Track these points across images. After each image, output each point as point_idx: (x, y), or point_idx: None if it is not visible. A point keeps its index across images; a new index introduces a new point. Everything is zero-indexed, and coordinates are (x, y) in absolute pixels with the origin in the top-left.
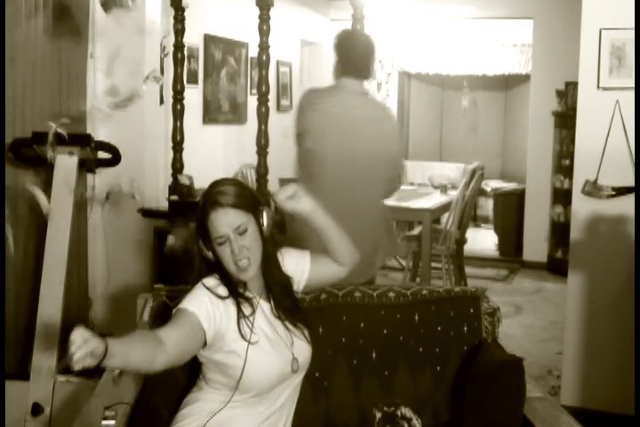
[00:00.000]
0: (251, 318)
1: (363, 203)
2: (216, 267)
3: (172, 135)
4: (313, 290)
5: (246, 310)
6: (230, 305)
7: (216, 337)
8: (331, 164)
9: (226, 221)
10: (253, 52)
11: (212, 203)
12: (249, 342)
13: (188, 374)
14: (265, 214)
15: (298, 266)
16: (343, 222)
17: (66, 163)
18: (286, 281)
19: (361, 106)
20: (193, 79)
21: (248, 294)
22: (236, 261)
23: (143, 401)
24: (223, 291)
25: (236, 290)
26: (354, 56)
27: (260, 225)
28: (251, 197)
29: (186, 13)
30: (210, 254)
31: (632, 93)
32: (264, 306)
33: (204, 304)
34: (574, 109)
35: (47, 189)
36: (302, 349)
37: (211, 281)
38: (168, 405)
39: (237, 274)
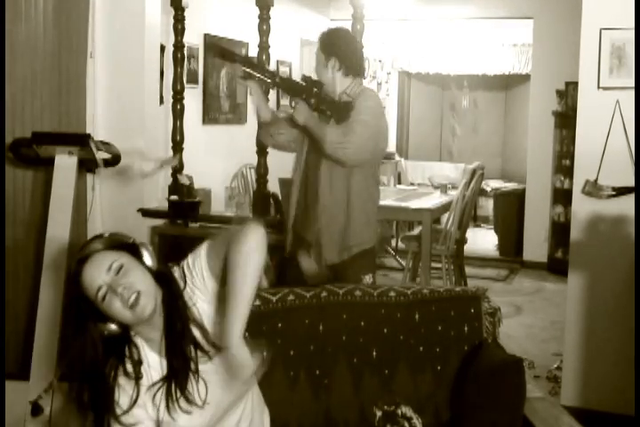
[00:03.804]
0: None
1: None
2: (120, 341)
3: (171, 135)
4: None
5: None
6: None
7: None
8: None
9: (94, 269)
10: (253, 52)
11: (76, 264)
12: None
13: None
14: (145, 251)
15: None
16: None
17: (66, 163)
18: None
19: None
20: (193, 79)
21: (151, 357)
22: (124, 302)
23: None
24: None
25: (137, 373)
26: (355, 56)
27: (142, 263)
28: (116, 238)
29: (186, 13)
30: (113, 326)
31: (632, 93)
32: (155, 364)
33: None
34: (574, 109)
35: (47, 189)
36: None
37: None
38: None
39: (134, 317)
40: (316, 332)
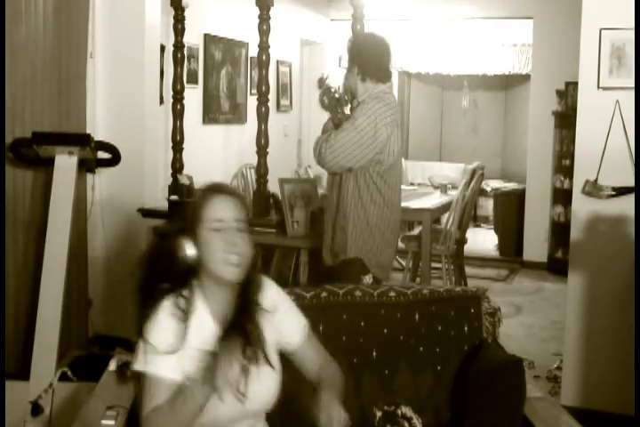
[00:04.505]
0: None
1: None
2: (186, 276)
3: (171, 135)
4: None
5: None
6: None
7: None
8: (398, 174)
9: (231, 207)
10: (253, 52)
11: (220, 189)
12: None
13: None
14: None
15: (291, 326)
16: (395, 233)
17: (66, 163)
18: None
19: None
20: (193, 79)
21: (203, 313)
22: (227, 252)
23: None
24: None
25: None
26: (374, 62)
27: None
28: (246, 203)
29: (186, 13)
30: (193, 251)
31: (632, 93)
32: (208, 326)
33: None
34: (574, 109)
35: (47, 189)
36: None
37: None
38: None
39: (222, 270)
40: (316, 332)
